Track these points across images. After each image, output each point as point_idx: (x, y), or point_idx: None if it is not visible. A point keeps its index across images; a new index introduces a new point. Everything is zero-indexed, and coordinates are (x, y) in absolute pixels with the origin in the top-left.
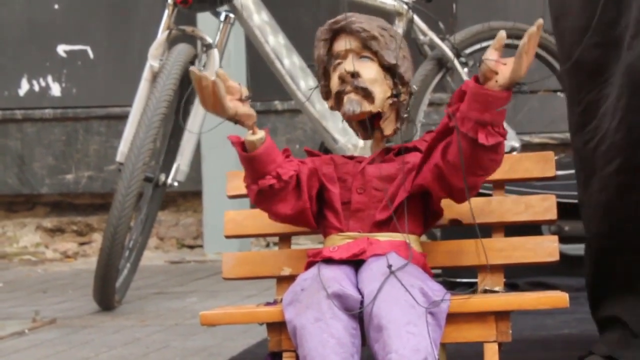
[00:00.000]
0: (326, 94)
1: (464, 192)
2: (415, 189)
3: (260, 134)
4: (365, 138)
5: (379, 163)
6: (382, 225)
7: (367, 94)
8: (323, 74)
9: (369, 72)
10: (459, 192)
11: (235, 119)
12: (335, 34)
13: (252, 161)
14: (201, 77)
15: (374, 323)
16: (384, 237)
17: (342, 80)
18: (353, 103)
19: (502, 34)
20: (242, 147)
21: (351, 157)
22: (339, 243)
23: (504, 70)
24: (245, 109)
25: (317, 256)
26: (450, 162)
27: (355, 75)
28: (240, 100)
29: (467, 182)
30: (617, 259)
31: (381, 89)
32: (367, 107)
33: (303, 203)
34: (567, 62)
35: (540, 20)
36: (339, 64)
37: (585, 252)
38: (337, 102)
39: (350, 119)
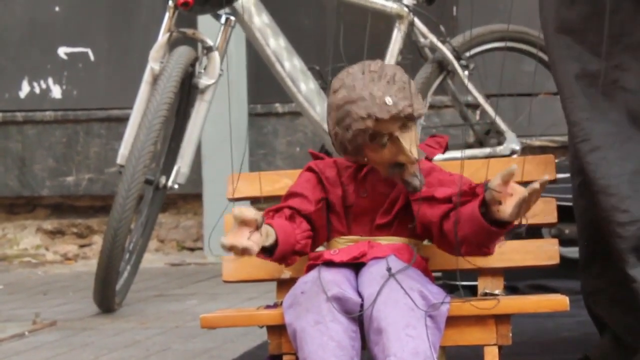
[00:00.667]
0: (348, 154)
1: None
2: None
3: (271, 236)
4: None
5: None
6: (384, 229)
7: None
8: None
9: (414, 136)
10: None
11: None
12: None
13: (275, 259)
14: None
15: (374, 326)
16: (385, 240)
17: (395, 164)
18: (415, 180)
19: (513, 168)
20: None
21: (355, 161)
22: (341, 246)
23: (507, 204)
24: (262, 238)
25: (318, 259)
26: (446, 234)
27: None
28: (256, 228)
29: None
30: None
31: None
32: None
33: (322, 239)
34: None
35: (546, 178)
36: (386, 142)
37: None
38: (389, 171)
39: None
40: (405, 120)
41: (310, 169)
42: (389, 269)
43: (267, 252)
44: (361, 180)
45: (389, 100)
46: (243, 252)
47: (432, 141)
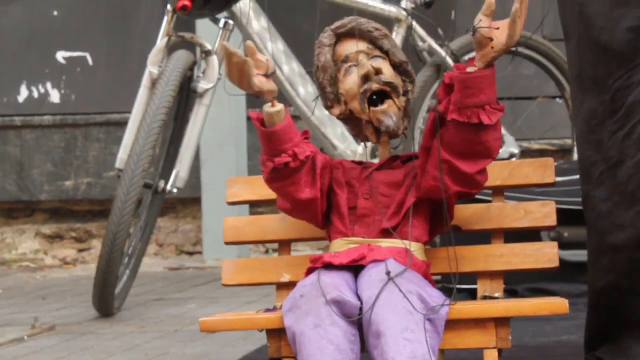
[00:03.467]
0: (332, 101)
1: (474, 177)
2: (425, 192)
3: (279, 106)
4: (376, 141)
5: (386, 169)
6: (388, 232)
7: (393, 88)
8: (329, 81)
9: (387, 69)
10: (469, 179)
11: (258, 95)
12: (339, 38)
13: (270, 137)
14: (233, 54)
15: (372, 329)
16: (386, 243)
17: (366, 78)
18: (390, 116)
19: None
20: (261, 122)
21: (359, 163)
22: (342, 248)
23: (498, 35)
24: (269, 85)
25: (317, 262)
26: (449, 146)
27: (378, 72)
28: (265, 75)
29: (469, 169)
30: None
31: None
32: (402, 123)
33: (315, 192)
34: (597, 48)
35: None
36: (350, 66)
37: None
38: (361, 101)
39: (386, 133)
40: (370, 46)
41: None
42: (388, 273)
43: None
44: (365, 182)
45: (362, 20)
46: (241, 65)
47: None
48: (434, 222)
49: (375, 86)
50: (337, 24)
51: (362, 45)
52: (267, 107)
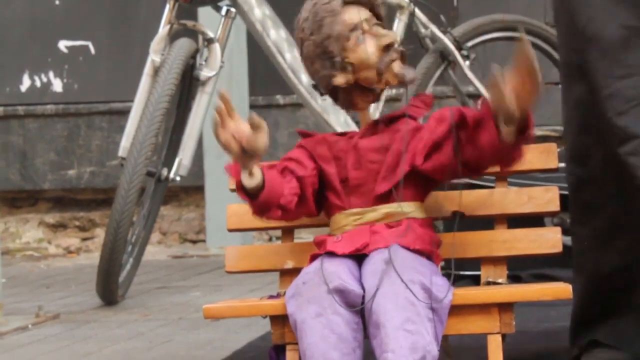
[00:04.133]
0: (337, 70)
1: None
2: (430, 169)
3: (257, 177)
4: (362, 108)
5: (371, 135)
6: (384, 198)
7: (404, 55)
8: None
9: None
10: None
11: (243, 159)
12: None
13: (256, 205)
14: (260, 126)
15: (373, 319)
16: (384, 209)
17: (384, 49)
18: (406, 68)
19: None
20: (240, 184)
21: (343, 134)
22: (344, 223)
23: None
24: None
25: (321, 245)
26: (481, 149)
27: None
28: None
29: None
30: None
31: None
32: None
33: (308, 209)
34: (583, 38)
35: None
36: (362, 34)
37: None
38: (386, 71)
39: (399, 83)
40: (370, 13)
41: (300, 146)
42: (387, 261)
43: (250, 195)
44: (352, 152)
45: None
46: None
47: (416, 101)
48: (427, 180)
49: (395, 56)
50: None
51: (366, 13)
52: (246, 179)
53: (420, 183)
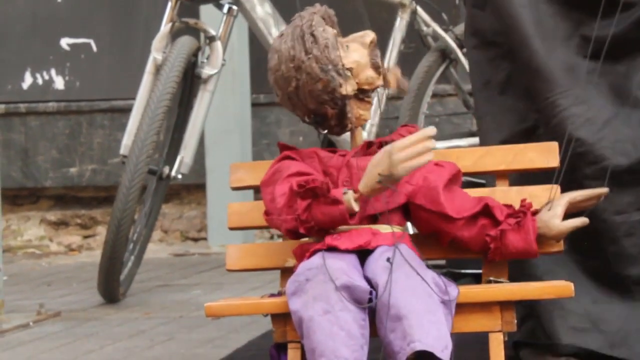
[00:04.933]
0: (343, 79)
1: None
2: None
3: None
4: (361, 123)
5: (363, 155)
6: (373, 218)
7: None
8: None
9: None
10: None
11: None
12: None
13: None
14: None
15: (392, 313)
16: (385, 229)
17: (370, 45)
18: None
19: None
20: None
21: (333, 151)
22: (338, 231)
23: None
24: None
25: (301, 258)
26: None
27: None
28: None
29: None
30: None
31: None
32: None
33: None
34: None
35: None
36: (345, 43)
37: None
38: (375, 67)
39: (396, 87)
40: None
41: (289, 157)
42: (398, 255)
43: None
44: (345, 169)
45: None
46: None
47: (403, 130)
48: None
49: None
50: (313, 9)
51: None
52: (353, 203)
53: (400, 209)
